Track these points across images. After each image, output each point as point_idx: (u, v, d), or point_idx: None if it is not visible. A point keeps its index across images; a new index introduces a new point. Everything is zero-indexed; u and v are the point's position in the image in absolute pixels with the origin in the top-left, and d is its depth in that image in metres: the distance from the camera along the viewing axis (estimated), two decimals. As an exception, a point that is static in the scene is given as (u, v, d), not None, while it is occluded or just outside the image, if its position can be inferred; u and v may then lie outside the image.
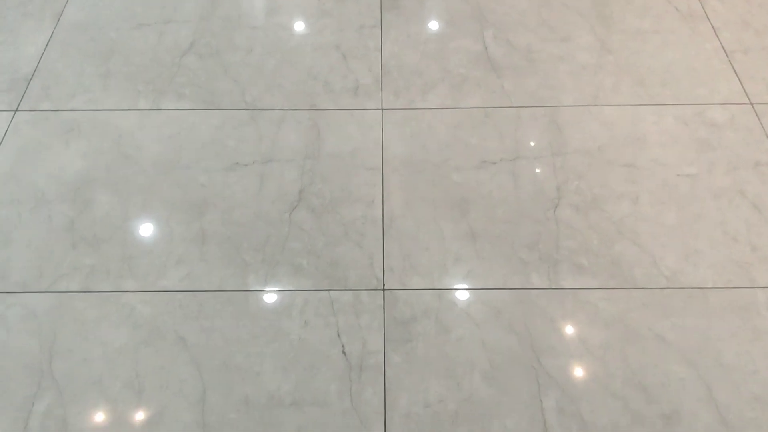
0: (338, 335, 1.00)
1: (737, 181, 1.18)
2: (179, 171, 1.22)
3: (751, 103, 1.30)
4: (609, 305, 1.03)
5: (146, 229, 1.14)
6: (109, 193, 1.18)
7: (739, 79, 1.34)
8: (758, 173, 1.19)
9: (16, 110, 1.32)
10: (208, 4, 1.53)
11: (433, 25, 1.48)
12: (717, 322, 1.00)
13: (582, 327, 1.01)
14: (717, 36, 1.43)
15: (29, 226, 1.13)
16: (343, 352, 0.98)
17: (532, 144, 1.25)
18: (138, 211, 1.16)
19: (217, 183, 1.20)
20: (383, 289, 1.05)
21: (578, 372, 0.96)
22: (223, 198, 1.18)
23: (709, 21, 1.46)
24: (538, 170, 1.21)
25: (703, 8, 1.49)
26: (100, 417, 0.92)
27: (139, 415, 0.92)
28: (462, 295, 1.05)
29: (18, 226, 1.13)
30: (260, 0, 1.55)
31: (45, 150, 1.25)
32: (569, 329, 1.01)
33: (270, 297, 1.05)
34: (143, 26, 1.48)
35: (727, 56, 1.39)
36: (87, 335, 1.00)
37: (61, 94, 1.35)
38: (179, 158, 1.24)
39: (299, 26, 1.48)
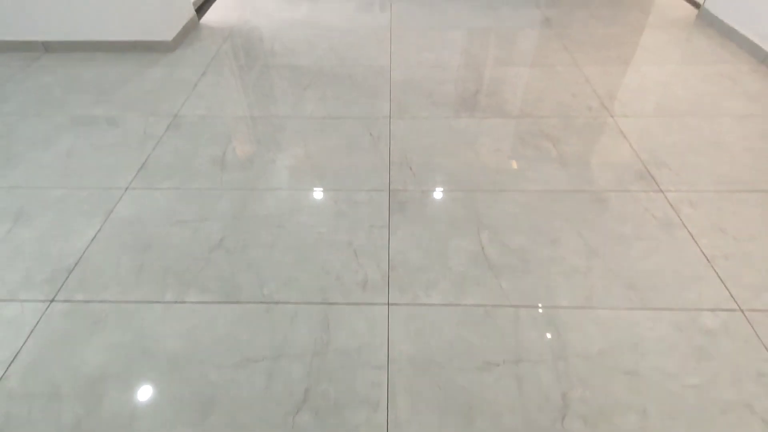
0: None
1: (743, 395, 1.17)
2: (192, 367, 1.26)
3: (741, 310, 1.36)
4: None
5: (150, 432, 1.13)
6: (121, 390, 1.21)
7: (725, 285, 1.43)
8: (763, 386, 1.19)
9: (52, 300, 1.43)
10: (240, 205, 1.75)
11: (435, 227, 1.65)
12: None
13: None
14: (696, 242, 1.56)
15: (36, 426, 1.14)
16: None
17: (533, 346, 1.29)
18: (144, 411, 1.17)
19: (226, 380, 1.23)
20: None
21: None
22: (230, 397, 1.19)
23: (686, 228, 1.62)
24: (541, 375, 1.23)
25: (678, 216, 1.66)
26: None
27: None
28: None
29: (26, 425, 1.14)
30: (285, 202, 1.78)
31: (70, 342, 1.32)
32: None
33: None
34: (181, 223, 1.69)
35: (709, 262, 1.50)
36: None
37: (96, 285, 1.48)
38: (194, 353, 1.29)
39: (317, 225, 1.67)
